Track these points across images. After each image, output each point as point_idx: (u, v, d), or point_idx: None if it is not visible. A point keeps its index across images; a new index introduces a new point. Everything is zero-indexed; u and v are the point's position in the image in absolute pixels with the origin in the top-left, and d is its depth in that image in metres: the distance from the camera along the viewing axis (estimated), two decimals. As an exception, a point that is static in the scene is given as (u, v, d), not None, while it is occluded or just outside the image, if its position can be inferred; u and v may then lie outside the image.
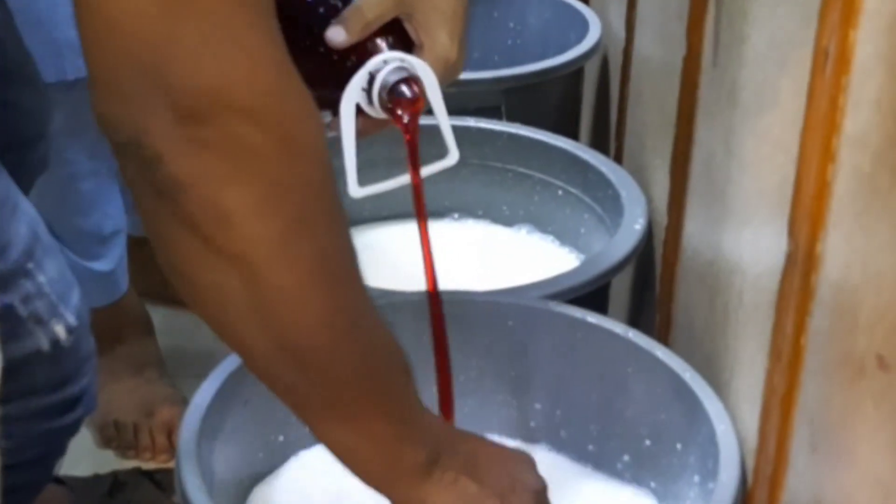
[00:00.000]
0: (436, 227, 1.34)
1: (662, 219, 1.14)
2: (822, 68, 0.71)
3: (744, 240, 0.88)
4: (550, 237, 1.32)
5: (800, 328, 0.75)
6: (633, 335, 0.97)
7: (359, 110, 0.85)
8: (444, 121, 0.88)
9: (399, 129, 0.86)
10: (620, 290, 1.27)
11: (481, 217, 1.35)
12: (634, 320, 1.27)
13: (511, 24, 1.64)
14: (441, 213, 1.35)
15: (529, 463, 0.80)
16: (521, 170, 1.32)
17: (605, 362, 0.99)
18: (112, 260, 1.37)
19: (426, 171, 0.90)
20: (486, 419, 1.04)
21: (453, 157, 0.91)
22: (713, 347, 0.97)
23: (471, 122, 1.33)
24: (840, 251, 0.69)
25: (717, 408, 0.89)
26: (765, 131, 0.83)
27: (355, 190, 0.89)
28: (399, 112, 0.84)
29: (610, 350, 0.98)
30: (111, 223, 1.36)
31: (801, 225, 0.75)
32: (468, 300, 1.02)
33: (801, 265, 0.75)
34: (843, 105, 0.68)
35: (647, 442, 0.97)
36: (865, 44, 0.65)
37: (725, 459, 0.85)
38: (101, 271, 1.36)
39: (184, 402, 1.08)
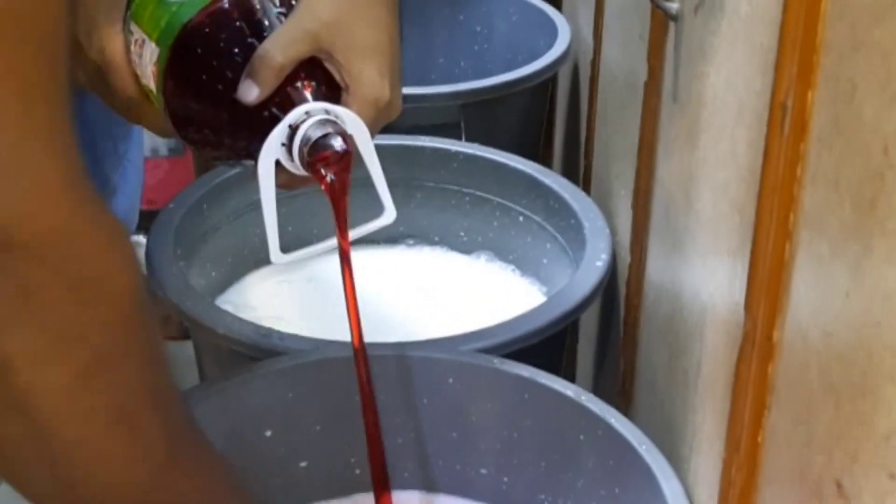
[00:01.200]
0: (389, 255, 1.26)
1: (626, 254, 1.04)
2: (779, 127, 0.61)
3: (701, 302, 0.78)
4: (511, 266, 1.22)
5: (757, 423, 0.65)
6: (586, 399, 0.88)
7: (281, 165, 0.75)
8: (377, 175, 0.78)
9: (323, 189, 0.76)
10: (589, 323, 1.18)
11: (437, 244, 1.26)
12: (601, 361, 1.17)
13: (477, 28, 1.54)
14: (394, 240, 1.26)
15: None
16: (480, 193, 1.23)
17: (555, 428, 0.89)
18: None
19: (357, 232, 0.81)
20: (428, 483, 0.95)
21: (390, 215, 0.82)
22: (673, 414, 0.87)
23: (426, 141, 1.23)
24: (797, 347, 0.59)
25: (676, 490, 0.80)
26: (722, 187, 0.73)
27: (277, 257, 0.81)
28: (322, 171, 0.75)
29: (560, 415, 0.89)
30: None
31: (757, 303, 0.65)
32: (403, 355, 0.92)
33: (758, 349, 0.65)
34: (800, 176, 0.58)
35: (601, 516, 0.88)
36: (822, 109, 0.55)
37: (681, 553, 0.76)
38: None
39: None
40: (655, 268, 0.94)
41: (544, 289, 1.19)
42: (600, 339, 1.19)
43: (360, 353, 0.82)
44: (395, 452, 0.94)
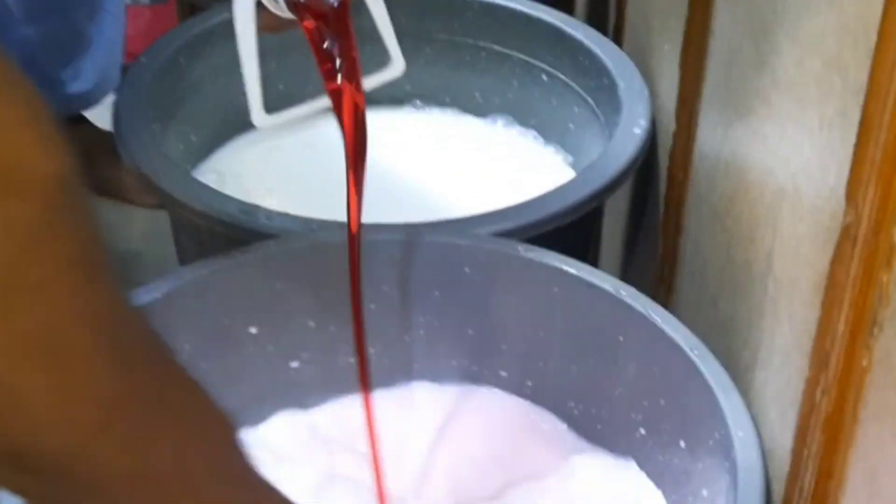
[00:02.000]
0: (393, 118, 1.11)
1: (670, 122, 0.89)
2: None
3: (777, 183, 0.64)
4: (532, 132, 1.08)
5: (859, 341, 0.52)
6: (628, 294, 0.74)
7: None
8: (381, 18, 0.64)
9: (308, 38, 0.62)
10: (616, 200, 1.03)
11: (448, 105, 1.11)
12: (631, 246, 1.03)
13: None
14: (400, 100, 1.11)
15: None
16: (498, 48, 1.07)
17: (590, 327, 0.76)
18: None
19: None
20: (438, 388, 0.82)
21: (397, 67, 0.69)
22: (731, 314, 0.73)
23: (436, -14, 1.07)
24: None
25: (737, 406, 0.66)
26: (814, 39, 0.58)
27: (260, 118, 0.69)
28: (308, 15, 0.61)
29: (596, 312, 0.75)
30: None
31: (863, 191, 0.51)
32: (411, 240, 0.78)
33: (863, 249, 0.51)
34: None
35: (642, 430, 0.75)
36: None
37: (746, 483, 0.63)
38: None
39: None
40: (710, 138, 0.80)
41: (570, 159, 1.04)
42: (631, 221, 1.05)
43: (355, 237, 0.69)
44: (403, 351, 0.81)
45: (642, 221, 1.00)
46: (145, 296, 0.73)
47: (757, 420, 0.66)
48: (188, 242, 0.95)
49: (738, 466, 0.64)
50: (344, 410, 0.82)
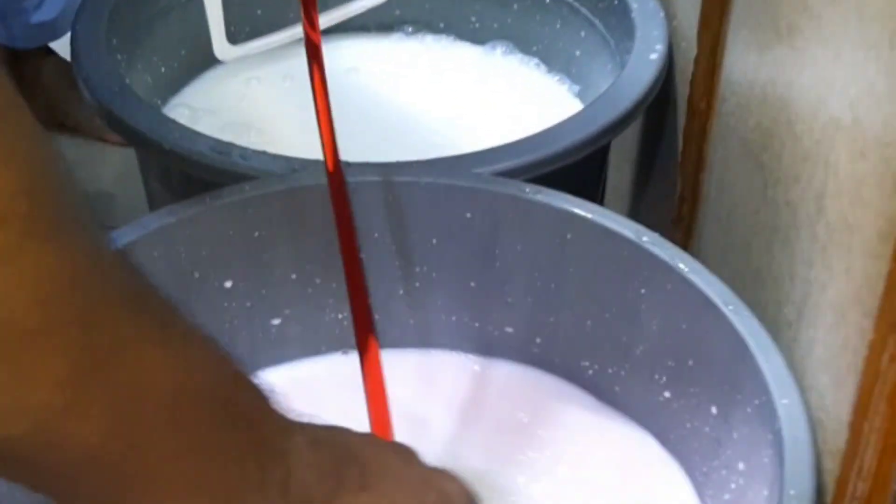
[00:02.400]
0: (381, 46, 1.02)
1: (689, 46, 0.80)
2: None
3: (829, 114, 0.55)
4: (534, 60, 0.99)
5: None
6: (650, 241, 0.66)
7: None
8: None
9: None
10: (622, 144, 0.94)
11: (442, 32, 1.02)
12: (642, 183, 0.95)
13: None
14: (389, 27, 1.02)
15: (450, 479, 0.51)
16: (496, -34, 0.98)
17: (607, 278, 0.67)
18: None
19: (337, 15, 0.59)
20: (436, 343, 0.74)
21: None
22: (767, 262, 0.65)
23: None
24: None
25: (779, 369, 0.58)
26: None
27: (223, 49, 0.61)
28: None
29: (614, 261, 0.67)
30: None
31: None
32: (403, 181, 0.70)
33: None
34: None
35: (666, 394, 0.67)
36: None
37: (794, 459, 0.55)
38: None
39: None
40: (741, 63, 0.71)
41: (576, 88, 0.96)
42: (642, 156, 0.96)
43: (336, 177, 0.60)
44: (395, 306, 0.73)
45: (655, 157, 0.92)
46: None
47: (802, 386, 0.58)
48: (158, 186, 0.86)
49: (783, 439, 0.55)
50: (334, 370, 0.74)
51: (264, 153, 0.74)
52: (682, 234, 0.84)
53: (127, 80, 0.85)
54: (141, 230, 0.66)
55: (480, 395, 0.71)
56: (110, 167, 1.28)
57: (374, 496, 0.46)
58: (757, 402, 0.58)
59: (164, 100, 0.95)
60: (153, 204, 0.88)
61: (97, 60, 0.82)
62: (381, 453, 0.49)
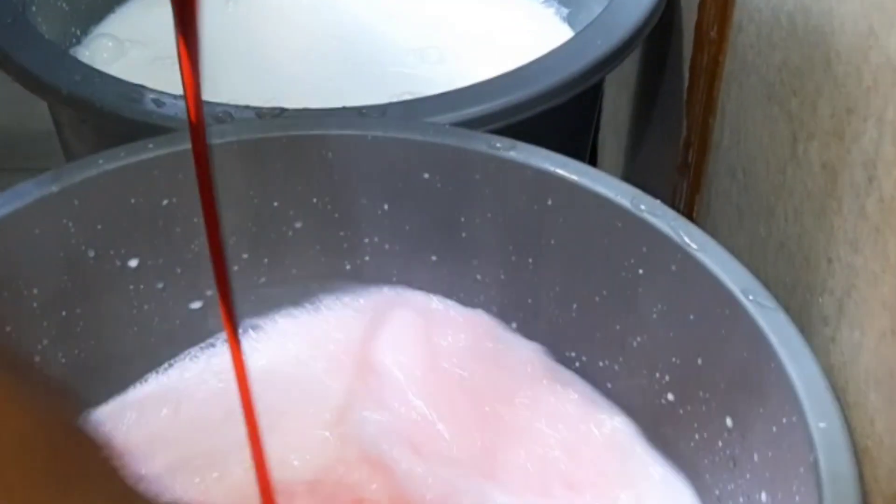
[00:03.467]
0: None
1: (697, -38, 0.67)
2: None
3: (885, 48, 0.42)
4: (514, -23, 0.85)
5: None
6: (650, 209, 0.53)
7: None
8: None
9: None
10: (614, 79, 0.81)
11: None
12: (637, 136, 0.82)
13: None
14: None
15: None
16: None
17: (598, 255, 0.55)
18: None
19: None
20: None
21: None
22: (796, 236, 0.52)
23: None
24: None
25: (812, 374, 0.46)
26: None
27: None
28: None
29: (604, 232, 0.54)
30: None
31: None
32: (351, 135, 0.56)
33: None
34: None
35: (670, 396, 0.55)
36: None
37: (835, 501, 0.42)
38: None
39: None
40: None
41: (565, 11, 0.82)
42: (638, 93, 0.83)
43: (196, 128, 0.46)
44: (341, 283, 0.60)
45: (657, 95, 0.78)
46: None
47: (844, 403, 0.45)
48: (71, 139, 0.73)
49: (821, 474, 0.43)
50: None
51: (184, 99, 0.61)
52: (689, 184, 0.71)
53: (33, 8, 0.73)
54: (17, 200, 0.53)
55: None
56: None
57: None
58: (785, 420, 0.46)
59: (85, 29, 0.82)
60: (71, 159, 0.75)
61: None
62: None
